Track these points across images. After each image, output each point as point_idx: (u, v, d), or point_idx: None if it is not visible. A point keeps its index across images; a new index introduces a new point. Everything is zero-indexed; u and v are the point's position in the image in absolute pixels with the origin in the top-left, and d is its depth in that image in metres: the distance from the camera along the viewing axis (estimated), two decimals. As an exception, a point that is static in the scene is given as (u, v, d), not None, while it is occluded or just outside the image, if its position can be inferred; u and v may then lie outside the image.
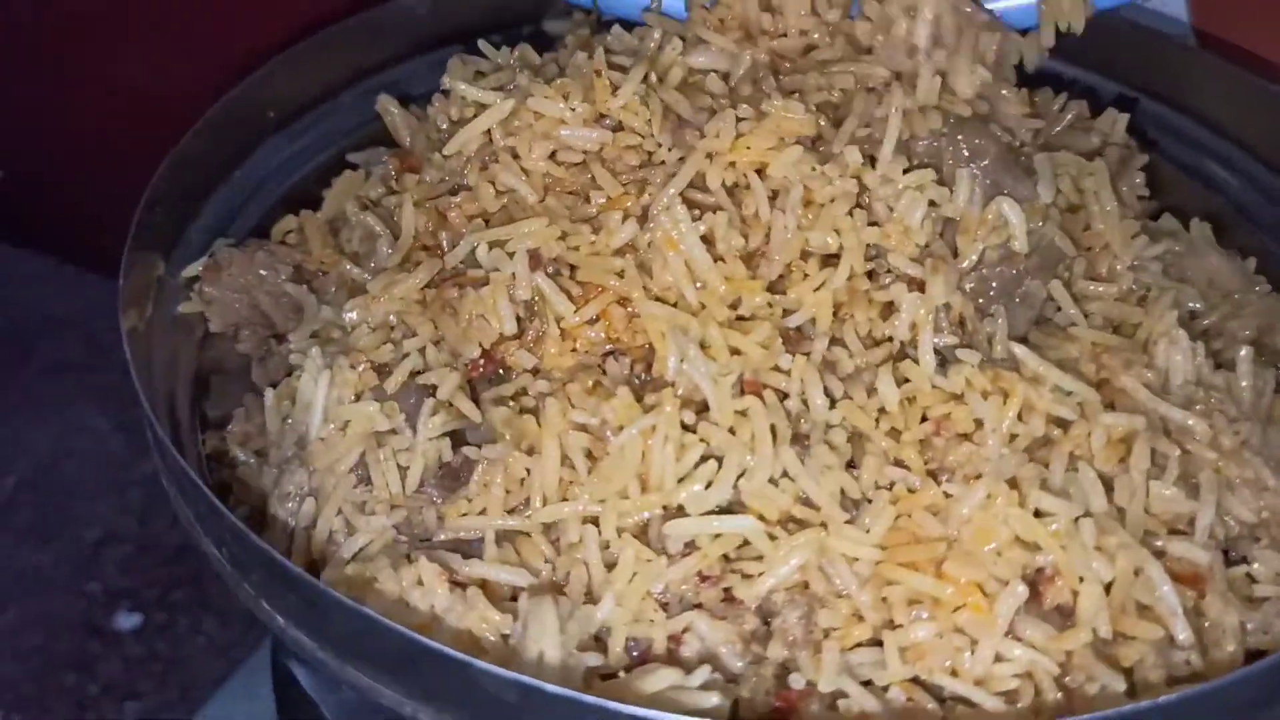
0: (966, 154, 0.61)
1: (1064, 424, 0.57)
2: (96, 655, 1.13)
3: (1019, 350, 0.57)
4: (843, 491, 0.55)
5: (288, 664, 0.71)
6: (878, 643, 0.53)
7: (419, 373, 0.59)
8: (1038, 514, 0.54)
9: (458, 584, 0.52)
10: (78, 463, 1.27)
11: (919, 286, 0.59)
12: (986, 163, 0.61)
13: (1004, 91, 0.64)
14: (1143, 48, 0.77)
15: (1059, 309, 0.63)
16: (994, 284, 0.60)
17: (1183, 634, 0.53)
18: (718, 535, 0.54)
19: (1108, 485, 0.55)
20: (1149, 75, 0.77)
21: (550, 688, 0.43)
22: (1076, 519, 0.53)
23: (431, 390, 0.58)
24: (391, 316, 0.60)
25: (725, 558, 0.55)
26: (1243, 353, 0.59)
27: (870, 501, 0.55)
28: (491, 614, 0.50)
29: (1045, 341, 0.61)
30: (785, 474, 0.55)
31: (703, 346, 0.58)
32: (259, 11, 0.96)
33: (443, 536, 0.57)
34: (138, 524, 1.22)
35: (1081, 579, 0.52)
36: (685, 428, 0.55)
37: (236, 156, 0.72)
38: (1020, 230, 0.60)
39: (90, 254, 1.19)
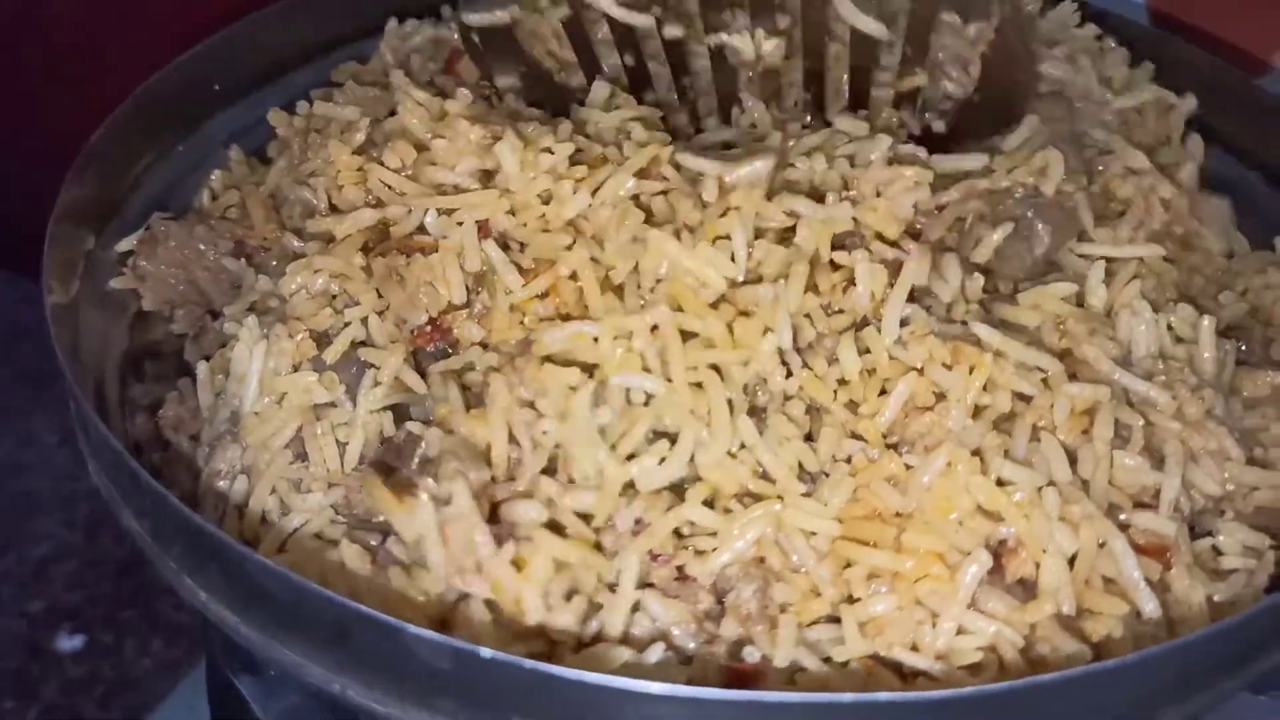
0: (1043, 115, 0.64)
1: (1027, 397, 0.55)
2: (37, 678, 1.09)
3: (982, 330, 0.56)
4: (800, 464, 0.54)
5: (227, 675, 0.68)
6: (837, 619, 0.51)
7: (361, 343, 0.56)
8: (1000, 484, 0.52)
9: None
10: (27, 477, 1.23)
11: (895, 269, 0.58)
12: (1056, 130, 0.63)
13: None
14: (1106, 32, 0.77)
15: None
16: (1009, 206, 0.60)
17: (1148, 605, 0.51)
18: (669, 509, 0.52)
19: (1071, 457, 0.54)
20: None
21: (486, 652, 0.40)
22: (1040, 489, 0.52)
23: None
24: (333, 285, 0.58)
25: (677, 534, 0.53)
26: (1205, 323, 0.58)
27: (828, 475, 0.54)
28: (416, 595, 0.48)
29: (1005, 310, 0.59)
30: (742, 446, 0.53)
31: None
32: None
33: (383, 517, 0.55)
34: (84, 538, 1.18)
35: (1045, 550, 0.50)
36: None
37: (179, 129, 0.69)
38: (1055, 174, 0.61)
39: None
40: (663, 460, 0.53)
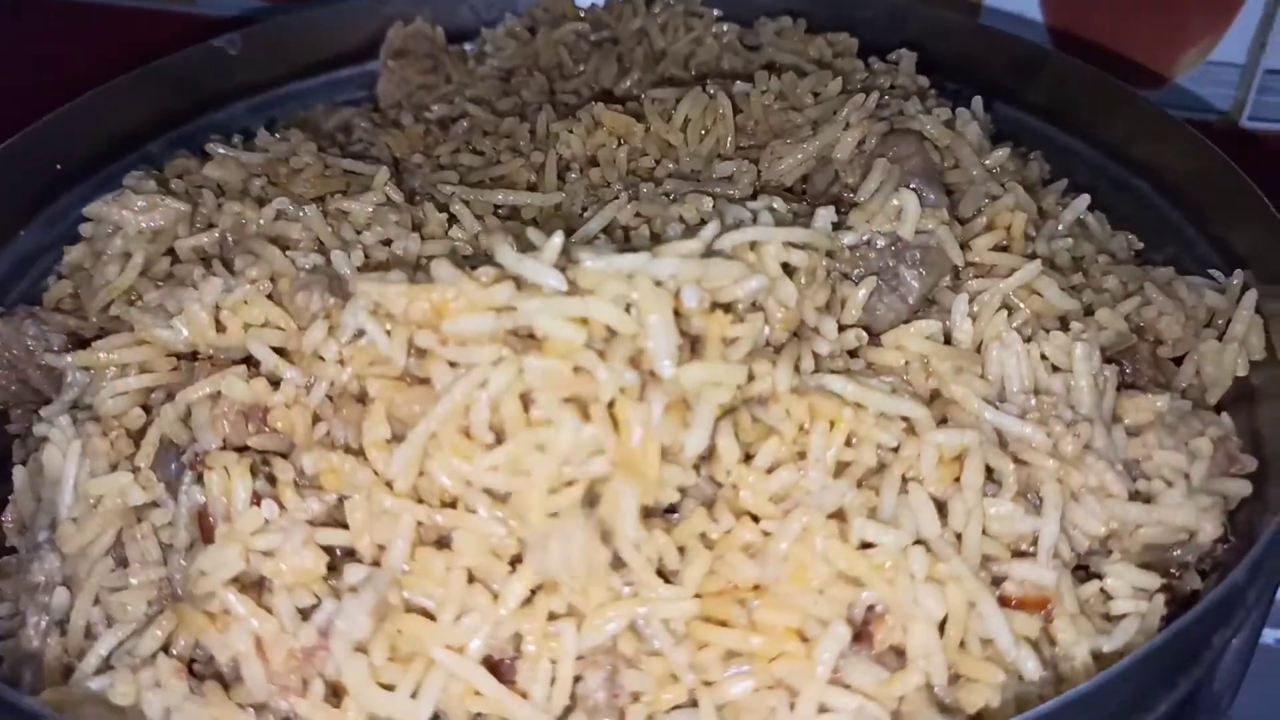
0: (892, 154, 0.62)
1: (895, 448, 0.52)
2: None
3: (835, 383, 0.51)
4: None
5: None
6: (696, 705, 0.47)
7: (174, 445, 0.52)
8: (867, 545, 0.48)
9: (199, 674, 0.46)
10: None
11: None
12: (908, 167, 0.61)
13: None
14: (1000, 52, 0.75)
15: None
16: (870, 260, 0.58)
17: (1028, 665, 0.47)
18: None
19: (943, 509, 0.50)
20: (1006, 79, 0.74)
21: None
22: (906, 548, 0.48)
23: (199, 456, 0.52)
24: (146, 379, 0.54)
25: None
26: (1079, 350, 0.54)
27: (683, 549, 0.50)
28: (228, 713, 0.44)
29: (872, 353, 0.56)
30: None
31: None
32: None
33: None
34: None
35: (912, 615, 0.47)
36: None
37: (18, 214, 0.66)
38: (911, 217, 0.58)
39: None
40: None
